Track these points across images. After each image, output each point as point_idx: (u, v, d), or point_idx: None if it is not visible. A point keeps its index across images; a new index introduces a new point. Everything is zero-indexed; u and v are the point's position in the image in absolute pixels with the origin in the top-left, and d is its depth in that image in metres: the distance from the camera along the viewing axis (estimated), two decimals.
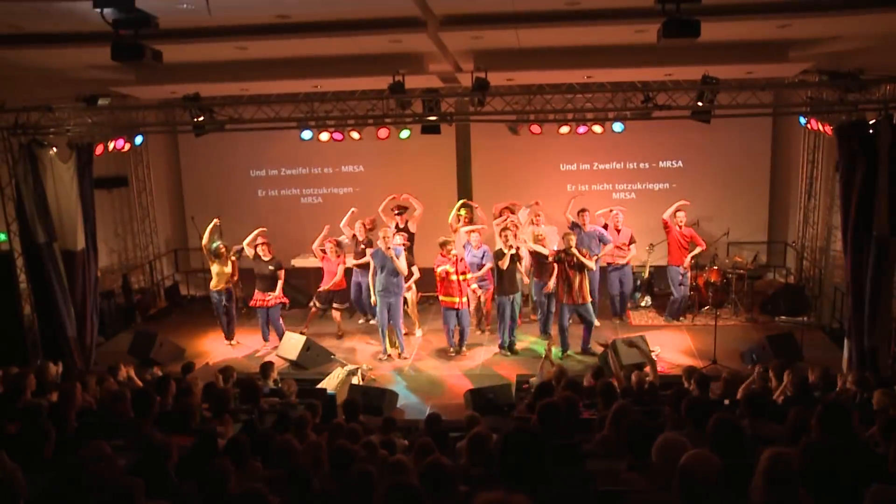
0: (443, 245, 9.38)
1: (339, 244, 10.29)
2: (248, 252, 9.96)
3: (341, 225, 10.45)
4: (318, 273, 10.65)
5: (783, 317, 10.57)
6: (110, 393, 5.95)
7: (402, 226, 10.58)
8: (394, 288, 9.30)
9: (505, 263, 9.15)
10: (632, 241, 10.58)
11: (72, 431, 5.06)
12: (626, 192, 12.52)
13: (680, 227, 10.32)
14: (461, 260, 9.33)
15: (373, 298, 9.49)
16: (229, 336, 10.28)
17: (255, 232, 10.07)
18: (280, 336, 9.78)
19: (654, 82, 9.40)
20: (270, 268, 9.91)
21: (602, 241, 10.26)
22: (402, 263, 9.24)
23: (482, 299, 10.19)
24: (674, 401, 5.20)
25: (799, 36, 7.50)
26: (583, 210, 10.45)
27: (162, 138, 13.00)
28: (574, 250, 9.12)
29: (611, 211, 10.78)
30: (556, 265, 9.30)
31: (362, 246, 10.36)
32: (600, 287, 10.52)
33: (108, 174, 11.74)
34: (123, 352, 9.50)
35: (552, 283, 9.52)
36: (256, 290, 9.98)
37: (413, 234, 10.59)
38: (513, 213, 10.39)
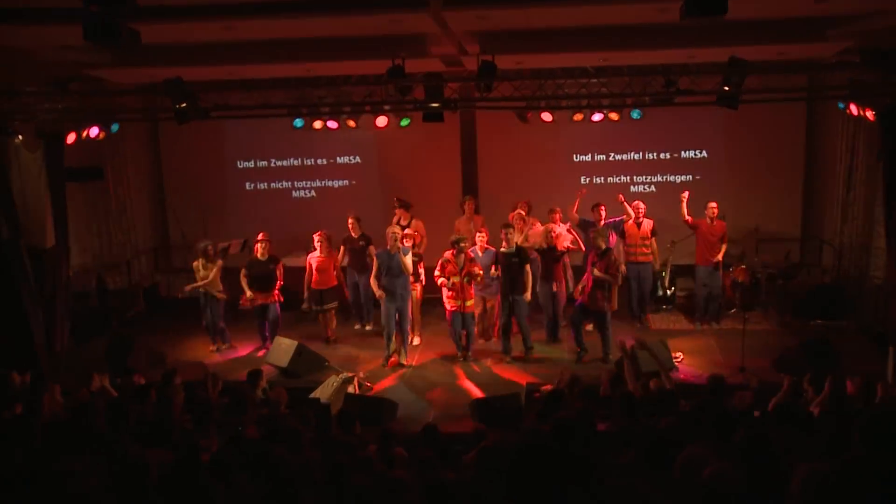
0: (455, 244, 9.27)
1: (328, 238, 10.28)
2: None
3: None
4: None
5: (819, 320, 10.51)
6: (82, 404, 5.94)
7: (404, 223, 10.54)
8: (401, 290, 9.30)
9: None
10: (653, 233, 10.55)
11: (39, 447, 5.05)
12: (644, 185, 12.48)
13: (712, 220, 10.27)
14: (471, 259, 9.31)
15: (377, 292, 9.47)
16: (216, 341, 10.33)
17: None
18: (274, 336, 9.86)
19: (676, 65, 9.36)
20: (270, 266, 9.95)
21: (615, 230, 10.34)
22: (408, 262, 9.24)
23: (487, 306, 10.17)
24: (698, 412, 5.17)
25: (838, 12, 7.45)
26: (597, 205, 10.45)
27: (140, 126, 12.99)
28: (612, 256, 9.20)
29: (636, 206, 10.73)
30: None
31: (361, 243, 10.36)
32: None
33: (81, 165, 11.72)
34: (97, 359, 9.47)
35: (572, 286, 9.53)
36: (254, 291, 10.02)
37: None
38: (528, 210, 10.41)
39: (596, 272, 9.08)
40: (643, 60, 9.29)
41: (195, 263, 10.09)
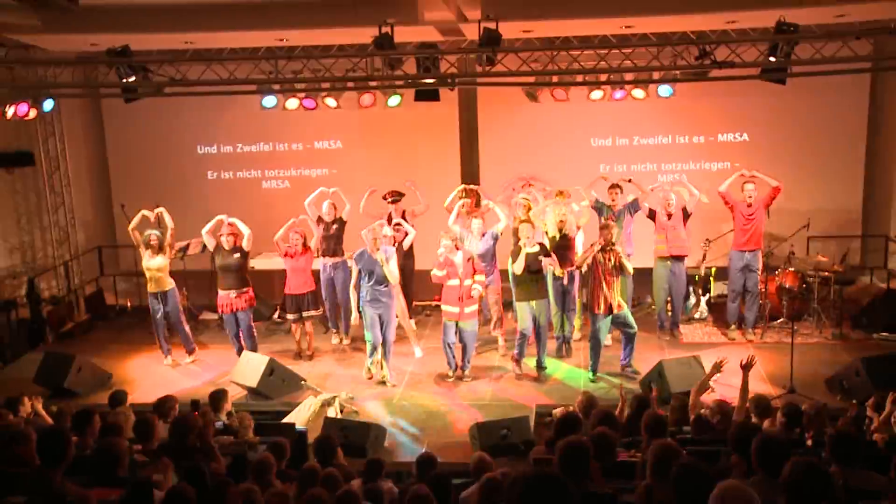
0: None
1: (304, 235, 10.27)
2: (208, 242, 10.00)
3: (307, 203, 10.49)
4: (283, 276, 10.61)
5: (884, 333, 10.54)
6: (8, 433, 5.91)
7: (396, 217, 10.48)
8: (382, 297, 9.32)
9: (519, 267, 9.15)
10: (687, 217, 10.54)
11: None
12: (675, 174, 12.46)
13: (749, 203, 10.32)
14: (469, 259, 9.32)
15: (353, 315, 9.57)
16: (168, 352, 10.40)
17: (217, 219, 9.99)
18: (254, 348, 9.86)
19: (713, 32, 9.38)
20: (236, 255, 9.94)
21: (632, 209, 10.45)
22: (393, 269, 9.23)
23: (485, 297, 10.21)
24: (738, 439, 5.16)
25: None
26: (614, 185, 10.53)
27: (80, 104, 12.99)
28: (618, 247, 9.22)
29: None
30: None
31: (335, 227, 10.45)
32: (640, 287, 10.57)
33: (8, 149, 11.72)
34: (28, 379, 9.49)
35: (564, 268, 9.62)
36: (220, 292, 10.01)
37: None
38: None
39: (627, 264, 9.11)
40: (674, 27, 9.30)
41: (140, 249, 10.10)
